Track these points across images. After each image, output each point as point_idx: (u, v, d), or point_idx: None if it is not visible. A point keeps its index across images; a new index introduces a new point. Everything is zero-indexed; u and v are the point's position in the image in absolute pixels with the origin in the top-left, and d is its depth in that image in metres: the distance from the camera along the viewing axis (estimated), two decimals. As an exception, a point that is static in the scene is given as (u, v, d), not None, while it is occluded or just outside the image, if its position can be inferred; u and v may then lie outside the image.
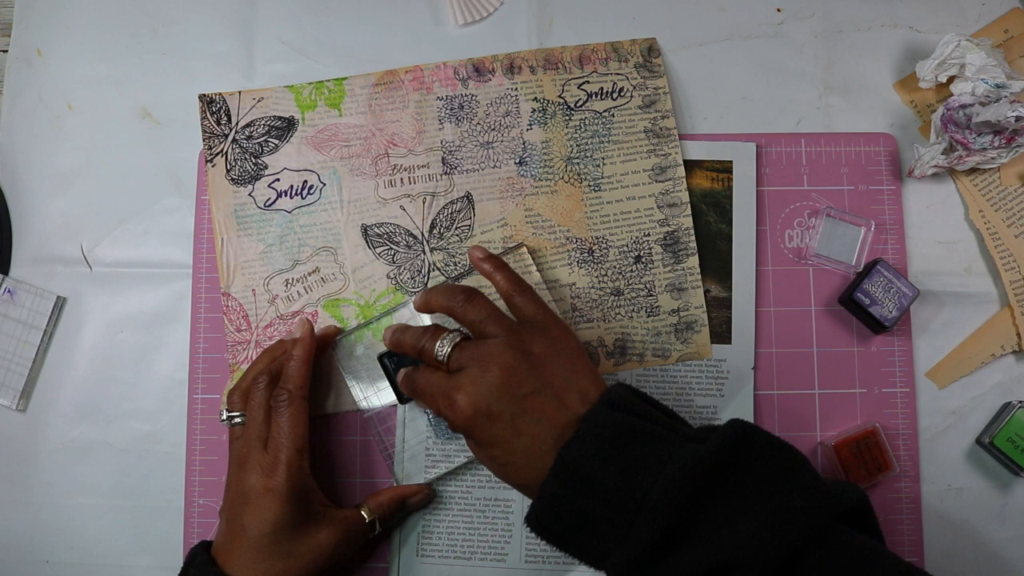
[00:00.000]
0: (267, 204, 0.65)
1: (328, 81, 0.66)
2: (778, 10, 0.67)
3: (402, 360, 0.59)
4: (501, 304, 0.57)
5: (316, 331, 0.61)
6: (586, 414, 0.48)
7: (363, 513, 0.58)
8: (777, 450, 0.46)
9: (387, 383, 0.61)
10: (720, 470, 0.44)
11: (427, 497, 0.61)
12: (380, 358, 0.60)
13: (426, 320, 0.62)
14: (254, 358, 0.63)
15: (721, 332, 0.63)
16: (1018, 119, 0.59)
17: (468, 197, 0.64)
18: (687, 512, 0.43)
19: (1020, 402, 0.61)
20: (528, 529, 0.49)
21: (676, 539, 0.43)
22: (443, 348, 0.53)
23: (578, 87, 0.65)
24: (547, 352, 0.51)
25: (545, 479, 0.47)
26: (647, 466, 0.45)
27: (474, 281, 0.63)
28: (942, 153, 0.62)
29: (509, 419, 0.49)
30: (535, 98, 0.65)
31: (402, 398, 0.60)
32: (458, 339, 0.53)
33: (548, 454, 0.47)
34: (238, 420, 0.57)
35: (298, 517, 0.54)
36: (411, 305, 0.63)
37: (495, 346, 0.51)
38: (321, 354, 0.62)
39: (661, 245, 0.64)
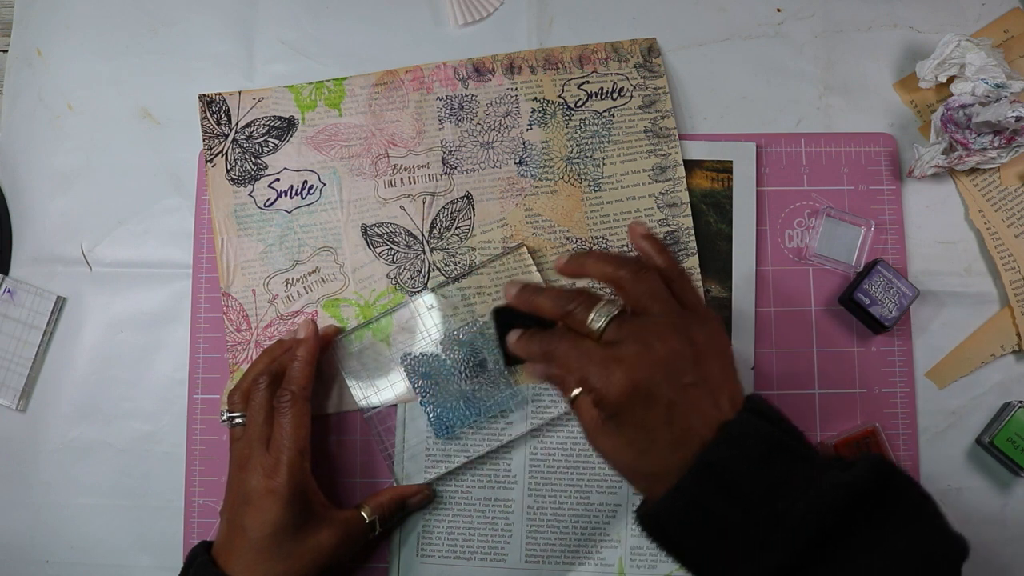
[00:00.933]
0: (267, 204, 0.65)
1: (328, 81, 0.66)
2: (778, 10, 0.67)
3: (513, 320, 0.52)
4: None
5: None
6: (736, 419, 0.45)
7: (363, 514, 0.58)
8: (916, 494, 0.45)
9: (387, 379, 0.61)
10: (864, 503, 0.42)
11: (427, 497, 0.61)
12: (494, 312, 0.52)
13: (435, 306, 0.62)
14: (254, 358, 0.63)
15: (721, 332, 0.63)
16: (1018, 119, 0.59)
17: (468, 197, 0.64)
18: (827, 537, 0.41)
19: (1020, 402, 0.61)
20: (638, 525, 0.46)
21: (811, 561, 0.42)
22: (600, 316, 0.47)
23: (578, 87, 0.65)
24: (708, 345, 0.47)
25: (684, 476, 0.44)
26: (792, 482, 0.43)
27: (474, 281, 0.63)
28: (942, 153, 0.62)
29: (666, 405, 0.45)
30: (535, 98, 0.65)
31: (511, 360, 0.52)
32: (617, 310, 0.48)
33: (692, 451, 0.44)
34: (239, 421, 0.57)
35: (299, 518, 0.54)
36: (411, 305, 0.63)
37: (662, 326, 0.47)
38: (321, 354, 0.62)
39: (661, 245, 0.64)
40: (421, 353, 0.62)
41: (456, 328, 0.62)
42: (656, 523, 0.45)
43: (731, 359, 0.49)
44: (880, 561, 0.42)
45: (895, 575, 0.41)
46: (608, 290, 0.54)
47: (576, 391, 0.47)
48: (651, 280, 0.49)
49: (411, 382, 0.61)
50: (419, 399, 0.62)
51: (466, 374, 0.62)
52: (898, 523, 0.43)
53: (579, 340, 0.48)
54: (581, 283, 0.58)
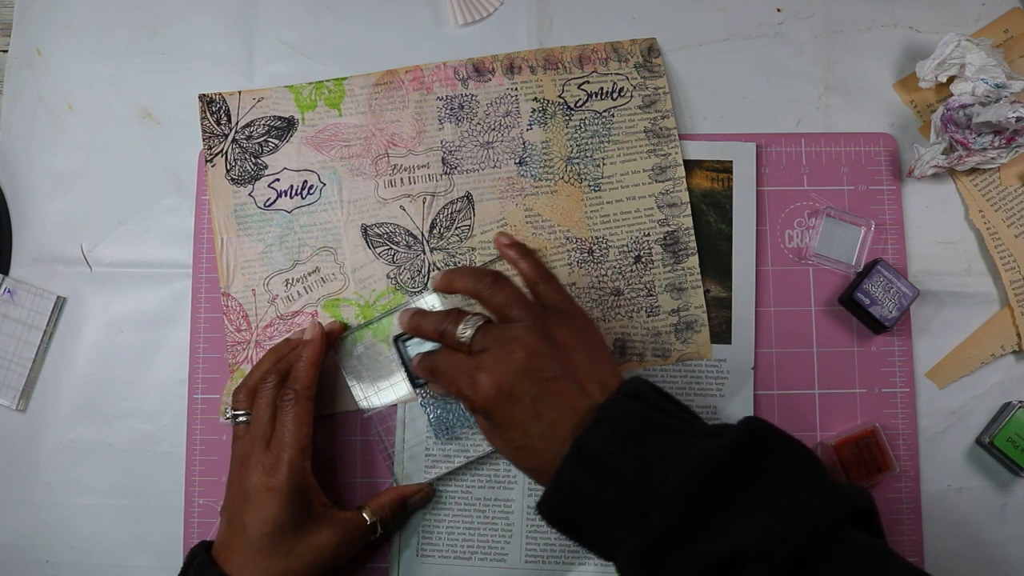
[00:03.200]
0: (267, 204, 0.65)
1: (328, 81, 0.66)
2: (778, 10, 0.67)
3: (416, 345, 0.60)
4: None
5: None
6: (605, 403, 0.48)
7: (364, 515, 0.58)
8: (792, 450, 0.46)
9: (388, 380, 0.61)
10: (736, 464, 0.44)
11: (427, 496, 0.61)
12: (394, 340, 0.60)
13: (437, 306, 0.62)
14: (254, 358, 0.63)
15: (721, 332, 0.63)
16: (1018, 119, 0.59)
17: (468, 197, 0.64)
18: (701, 503, 0.43)
19: (1020, 402, 0.61)
20: (539, 516, 0.48)
21: (689, 530, 0.43)
22: (466, 330, 0.52)
23: (578, 87, 0.65)
24: (570, 339, 0.51)
25: (561, 465, 0.46)
26: (664, 457, 0.45)
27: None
28: (942, 153, 0.62)
29: (530, 401, 0.49)
30: (535, 98, 0.65)
31: (415, 382, 0.60)
32: (481, 322, 0.53)
33: (565, 440, 0.47)
34: (243, 419, 0.57)
35: (299, 517, 0.54)
36: (412, 305, 0.63)
37: (520, 329, 0.51)
38: (327, 353, 0.62)
39: (661, 245, 0.64)
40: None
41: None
42: (550, 511, 0.47)
43: (602, 348, 0.52)
44: (757, 518, 0.43)
45: (770, 527, 0.42)
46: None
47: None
48: (507, 288, 0.54)
49: (411, 383, 0.61)
50: (419, 400, 0.62)
51: None
52: (772, 478, 0.44)
53: (452, 354, 0.53)
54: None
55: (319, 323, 0.61)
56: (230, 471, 0.57)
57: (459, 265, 0.64)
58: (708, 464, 0.43)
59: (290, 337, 0.62)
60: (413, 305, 0.63)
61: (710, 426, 0.48)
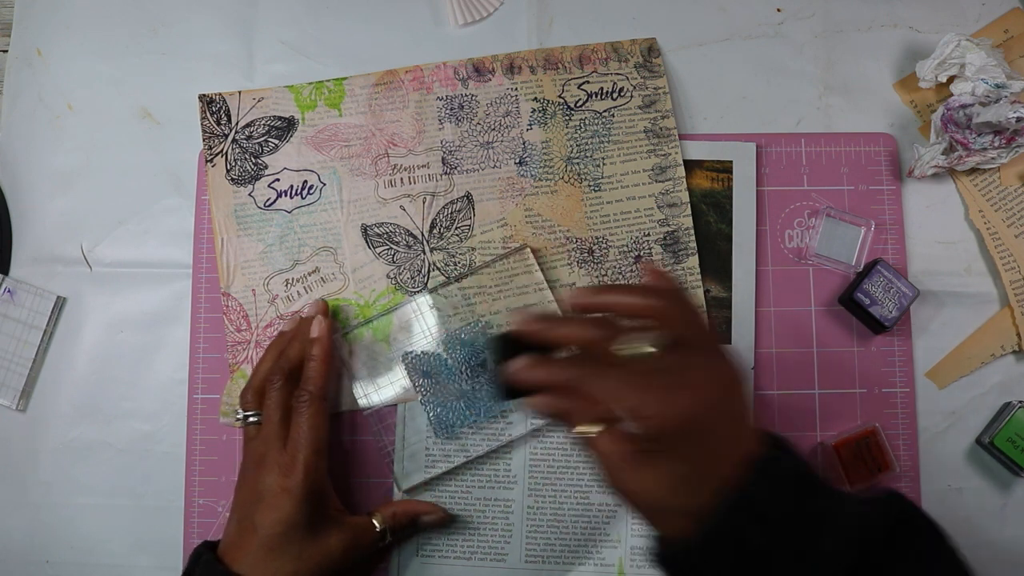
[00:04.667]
0: (267, 204, 0.65)
1: (328, 81, 0.66)
2: (778, 10, 0.67)
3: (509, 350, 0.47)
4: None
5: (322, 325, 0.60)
6: (767, 453, 0.44)
7: (375, 521, 0.58)
8: (930, 525, 0.45)
9: (387, 377, 0.61)
10: (890, 534, 0.43)
11: (441, 520, 0.61)
12: (493, 340, 0.49)
13: (427, 309, 0.62)
14: (254, 358, 0.63)
15: (721, 332, 0.63)
16: (1019, 119, 0.59)
17: (468, 197, 0.64)
18: (858, 570, 0.42)
19: (1020, 402, 0.61)
20: (658, 566, 0.45)
21: None
22: (643, 344, 0.45)
23: (578, 87, 0.65)
24: (737, 377, 0.47)
25: (717, 513, 0.42)
26: (824, 516, 0.43)
27: (476, 281, 0.63)
28: (942, 153, 0.62)
29: (714, 437, 0.44)
30: (535, 98, 0.65)
31: (508, 392, 0.47)
32: (664, 340, 0.45)
33: (726, 486, 0.43)
34: (253, 420, 0.57)
35: (311, 519, 0.54)
36: (412, 304, 0.63)
37: (713, 355, 0.46)
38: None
39: (661, 245, 0.64)
40: (423, 352, 0.62)
41: (458, 328, 0.62)
42: (686, 561, 0.44)
43: (747, 392, 0.49)
44: None
45: None
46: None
47: (595, 428, 0.44)
48: (690, 307, 0.47)
49: (412, 381, 0.61)
50: (419, 398, 0.62)
51: (467, 374, 0.62)
52: (919, 553, 0.43)
53: (619, 368, 0.45)
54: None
55: (323, 318, 0.60)
56: (242, 471, 0.57)
57: (612, 283, 0.57)
58: (867, 531, 0.42)
59: (284, 330, 0.61)
60: (412, 303, 0.63)
61: (847, 492, 0.47)
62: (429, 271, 0.64)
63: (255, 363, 0.62)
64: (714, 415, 0.44)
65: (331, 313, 0.63)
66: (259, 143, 0.65)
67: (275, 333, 0.63)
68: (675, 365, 0.44)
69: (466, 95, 0.65)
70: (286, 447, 0.55)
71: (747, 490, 0.42)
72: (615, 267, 0.63)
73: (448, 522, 0.61)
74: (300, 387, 0.57)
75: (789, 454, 0.45)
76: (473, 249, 0.64)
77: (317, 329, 0.59)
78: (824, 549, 0.42)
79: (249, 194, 0.65)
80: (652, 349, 0.45)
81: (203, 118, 0.66)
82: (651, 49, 0.66)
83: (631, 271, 0.63)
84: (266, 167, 0.65)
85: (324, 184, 0.65)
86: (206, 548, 0.55)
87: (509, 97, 0.65)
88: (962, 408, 0.63)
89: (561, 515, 0.62)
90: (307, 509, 0.54)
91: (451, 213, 0.64)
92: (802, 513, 0.42)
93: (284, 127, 0.66)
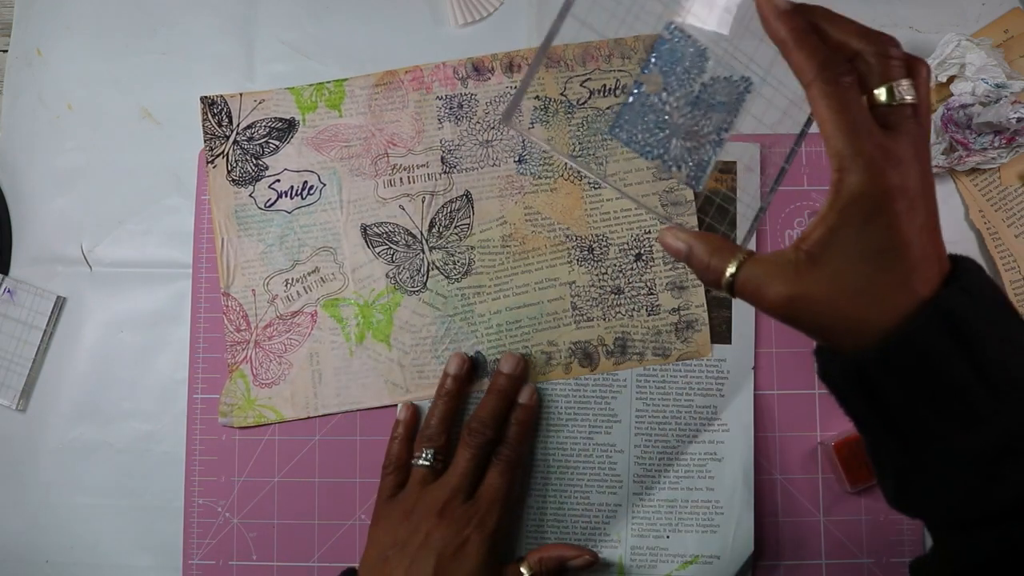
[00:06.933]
0: (267, 204, 0.65)
1: (328, 83, 0.66)
2: (778, 10, 0.67)
3: None
4: None
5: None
6: (968, 267, 0.39)
7: (523, 569, 0.58)
8: None
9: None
10: None
11: (589, 563, 0.59)
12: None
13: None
14: (253, 358, 0.63)
15: (721, 332, 0.63)
16: (1019, 119, 0.59)
17: (467, 195, 0.64)
18: None
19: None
20: (822, 378, 0.41)
21: None
22: (898, 93, 0.39)
23: (580, 84, 0.65)
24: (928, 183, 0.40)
25: (917, 321, 0.37)
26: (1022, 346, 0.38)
27: (472, 281, 0.63)
28: (942, 153, 0.62)
29: (916, 228, 0.38)
30: (537, 96, 0.65)
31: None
32: (910, 99, 0.40)
33: (918, 296, 0.38)
34: (427, 463, 0.58)
35: (491, 570, 0.55)
36: (409, 303, 0.63)
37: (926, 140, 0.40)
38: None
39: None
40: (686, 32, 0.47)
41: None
42: (858, 372, 0.39)
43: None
44: None
45: None
46: None
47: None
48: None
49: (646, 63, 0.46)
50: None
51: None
52: None
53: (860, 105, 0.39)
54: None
55: (534, 386, 0.62)
56: (405, 512, 0.56)
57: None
58: None
59: (457, 373, 0.61)
60: (397, 313, 0.63)
61: None
62: (428, 270, 0.64)
63: (434, 407, 0.61)
64: (913, 208, 0.38)
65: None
66: (260, 144, 0.65)
67: (274, 333, 0.63)
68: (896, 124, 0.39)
69: (465, 94, 0.65)
70: (475, 499, 0.56)
71: (945, 300, 0.37)
72: (615, 265, 0.63)
73: (596, 564, 0.60)
74: (504, 447, 0.58)
75: (992, 282, 0.40)
76: (472, 248, 0.64)
77: (527, 396, 0.61)
78: (1014, 376, 0.37)
79: (250, 195, 0.65)
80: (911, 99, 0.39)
81: (204, 120, 0.66)
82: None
83: (632, 269, 0.63)
84: (267, 168, 0.65)
85: (324, 184, 0.65)
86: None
87: (509, 95, 0.65)
88: (963, 408, 0.63)
89: (561, 515, 0.62)
90: (492, 561, 0.55)
91: (450, 212, 0.64)
92: (994, 335, 0.37)
93: (285, 128, 0.66)
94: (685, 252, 0.44)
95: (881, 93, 0.39)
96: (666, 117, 0.46)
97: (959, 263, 0.40)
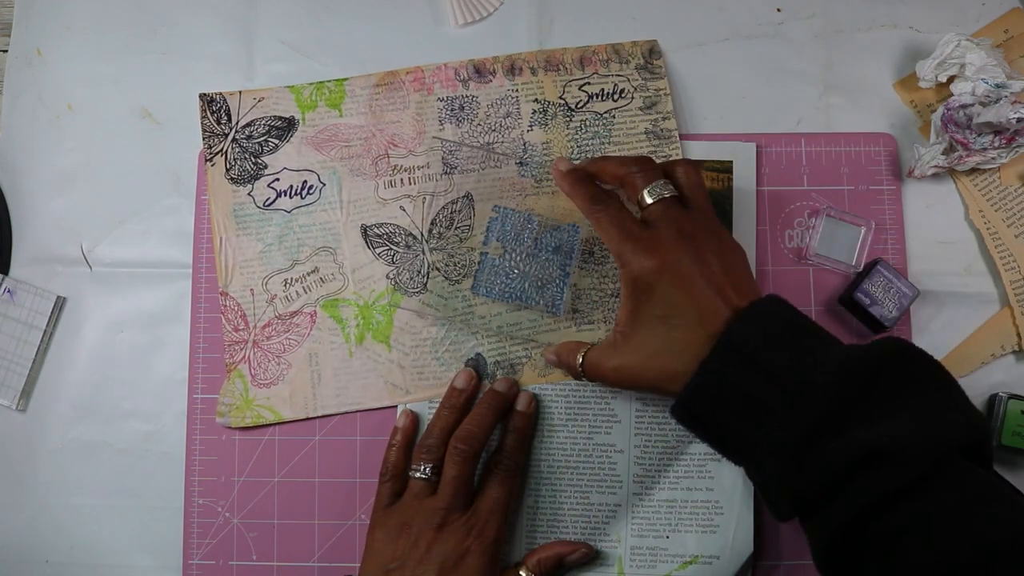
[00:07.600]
0: (266, 204, 0.65)
1: (329, 82, 0.66)
2: (778, 10, 0.67)
3: None
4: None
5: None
6: (756, 302, 0.49)
7: (522, 573, 0.58)
8: (936, 368, 0.47)
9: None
10: (884, 370, 0.45)
11: (586, 555, 0.60)
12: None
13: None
14: (252, 358, 0.63)
15: (721, 332, 0.63)
16: (1019, 119, 0.59)
17: (468, 197, 0.64)
18: (850, 400, 0.45)
19: (1006, 394, 0.60)
20: (672, 418, 0.51)
21: (836, 424, 0.44)
22: (656, 191, 0.53)
23: (579, 88, 0.65)
24: (732, 246, 0.54)
25: (708, 356, 0.48)
26: (813, 354, 0.46)
27: (471, 284, 0.63)
28: (942, 153, 0.62)
29: (686, 290, 0.50)
30: (536, 99, 0.65)
31: None
32: (667, 194, 0.53)
33: (708, 340, 0.48)
34: (424, 476, 0.58)
35: None
36: (405, 306, 0.63)
37: (707, 218, 0.53)
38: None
39: (661, 245, 0.63)
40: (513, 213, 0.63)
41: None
42: (686, 407, 0.49)
43: (748, 266, 0.54)
44: (902, 420, 0.44)
45: (915, 430, 0.43)
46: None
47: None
48: (658, 169, 0.55)
49: (486, 237, 0.62)
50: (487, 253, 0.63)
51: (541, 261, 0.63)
52: (917, 390, 0.45)
53: (620, 211, 0.53)
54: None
55: (532, 393, 0.62)
56: (406, 523, 0.56)
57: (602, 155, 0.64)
58: (858, 368, 0.45)
59: (458, 387, 0.61)
60: (398, 313, 0.63)
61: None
62: (428, 271, 0.64)
63: (435, 419, 0.61)
64: (688, 269, 0.50)
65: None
66: (259, 143, 0.65)
67: (272, 333, 0.63)
68: (656, 217, 0.52)
69: (467, 96, 0.65)
70: (474, 510, 0.56)
71: (729, 332, 0.48)
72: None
73: (593, 557, 0.60)
74: (502, 457, 0.59)
75: (784, 307, 0.49)
76: (473, 250, 0.64)
77: (525, 404, 0.61)
78: (804, 380, 0.45)
79: (248, 193, 0.65)
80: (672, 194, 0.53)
81: (203, 117, 0.66)
82: (652, 51, 0.66)
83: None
84: (266, 167, 0.65)
85: (324, 184, 0.65)
86: None
87: (510, 98, 0.65)
88: (962, 408, 0.63)
89: (561, 515, 0.62)
90: (492, 570, 0.56)
91: (451, 213, 0.64)
92: (781, 350, 0.47)
93: (284, 127, 0.66)
94: (555, 360, 0.58)
95: (645, 196, 0.53)
96: (515, 271, 0.62)
97: (755, 302, 0.49)
